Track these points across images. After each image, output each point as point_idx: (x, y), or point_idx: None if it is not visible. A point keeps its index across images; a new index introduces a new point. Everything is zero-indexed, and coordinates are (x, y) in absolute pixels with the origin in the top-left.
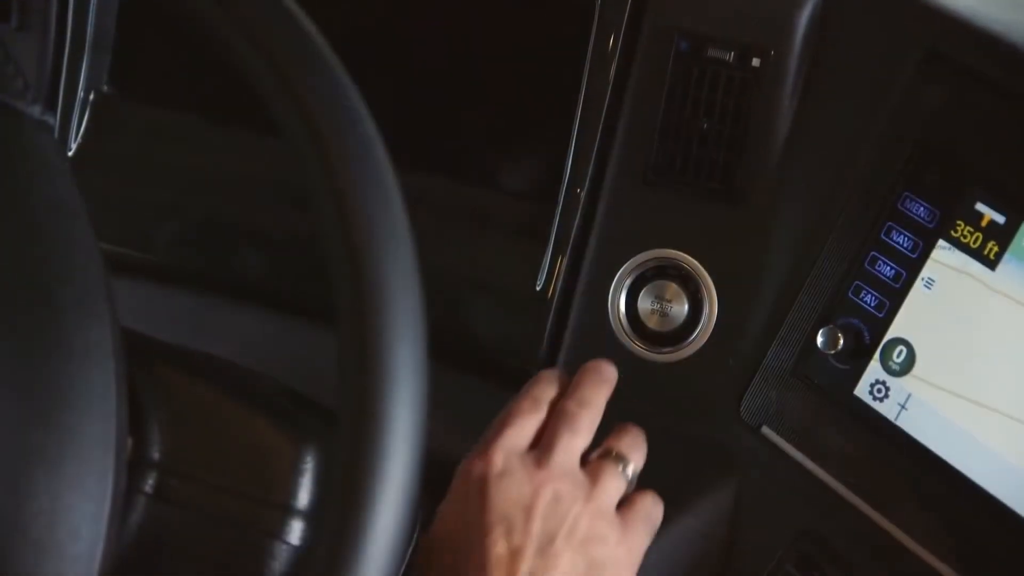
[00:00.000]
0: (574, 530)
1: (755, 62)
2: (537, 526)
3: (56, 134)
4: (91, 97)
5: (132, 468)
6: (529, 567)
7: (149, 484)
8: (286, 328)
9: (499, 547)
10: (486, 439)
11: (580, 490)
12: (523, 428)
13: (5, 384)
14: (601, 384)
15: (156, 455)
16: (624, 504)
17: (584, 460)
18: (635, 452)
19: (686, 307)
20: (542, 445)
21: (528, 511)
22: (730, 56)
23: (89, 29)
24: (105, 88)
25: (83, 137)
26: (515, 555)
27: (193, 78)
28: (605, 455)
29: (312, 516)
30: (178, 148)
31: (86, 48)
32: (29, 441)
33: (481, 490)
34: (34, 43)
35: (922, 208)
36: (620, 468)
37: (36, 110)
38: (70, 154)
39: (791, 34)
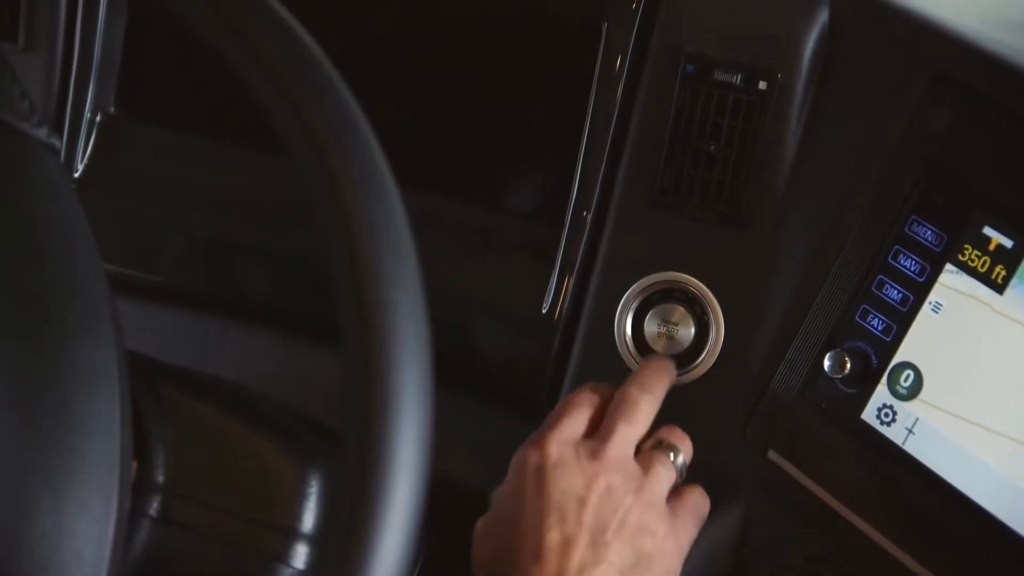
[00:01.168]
0: (625, 522)
1: (762, 85)
2: (590, 517)
3: (62, 156)
4: (98, 118)
5: (137, 491)
6: (580, 557)
7: (154, 507)
8: (291, 348)
9: (552, 536)
10: (543, 428)
11: (632, 481)
12: (579, 418)
13: (9, 405)
14: (663, 374)
15: (161, 478)
16: (674, 496)
17: (637, 449)
18: (685, 443)
19: (692, 330)
20: (599, 434)
21: (581, 502)
22: (737, 79)
23: (96, 50)
24: (112, 109)
25: (89, 158)
26: (567, 545)
27: (199, 99)
28: (657, 445)
29: (317, 540)
30: (184, 169)
31: (93, 69)
32: (34, 462)
33: (536, 480)
34: (41, 64)
35: (929, 232)
36: (671, 458)
37: (42, 132)
38: (76, 175)
39: (798, 57)
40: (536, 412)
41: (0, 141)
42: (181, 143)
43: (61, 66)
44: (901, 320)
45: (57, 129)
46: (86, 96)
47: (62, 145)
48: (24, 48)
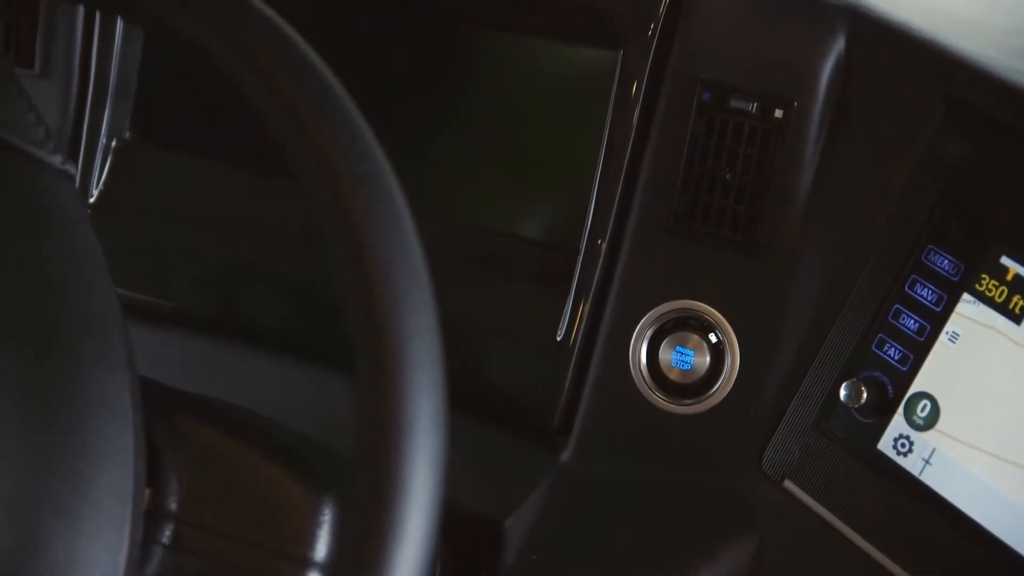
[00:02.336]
0: None
1: (778, 113)
2: None
3: (77, 182)
4: (113, 143)
5: (149, 519)
6: None
7: (166, 535)
8: (303, 374)
9: None
10: None
11: None
12: None
13: (22, 433)
14: None
15: (173, 506)
16: None
17: None
18: None
19: (708, 358)
20: None
21: None
22: (753, 107)
23: (112, 76)
24: (127, 135)
25: (104, 183)
26: None
27: (213, 125)
28: None
29: (329, 568)
30: (198, 194)
31: (108, 95)
32: (46, 491)
33: None
34: (57, 89)
35: (946, 261)
36: None
37: (57, 159)
38: (92, 200)
39: (814, 85)
40: (550, 440)
41: (16, 168)
42: (196, 169)
43: (77, 92)
44: (918, 350)
45: (72, 154)
46: (102, 121)
47: (77, 171)
48: (40, 74)
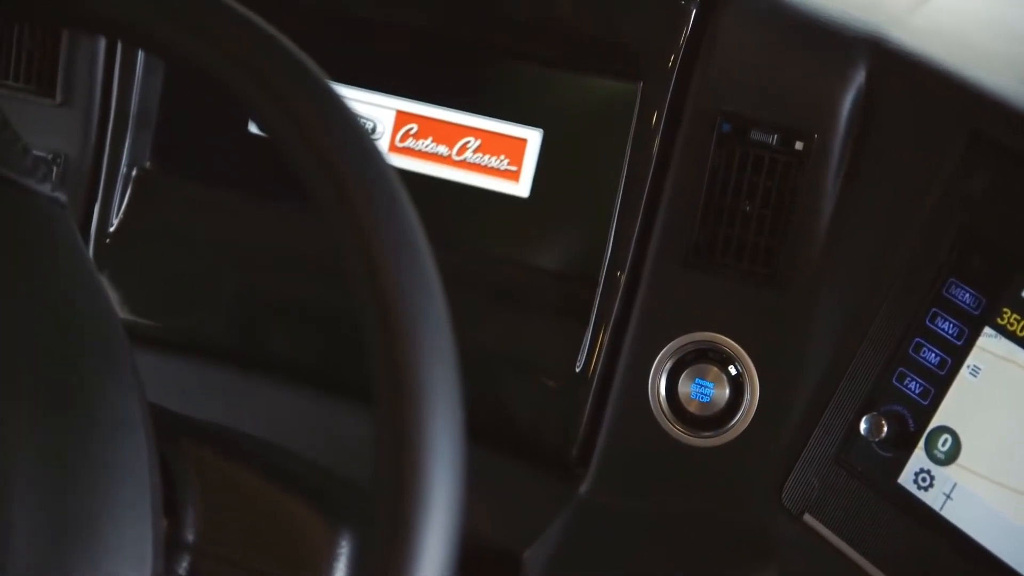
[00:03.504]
0: None
1: (798, 145)
2: None
3: (97, 209)
4: (133, 173)
5: (166, 549)
6: None
7: (184, 566)
8: (321, 406)
9: None
10: None
11: None
12: None
13: (38, 454)
14: None
15: (191, 537)
16: None
17: None
18: None
19: (727, 391)
20: None
21: None
22: (773, 139)
23: (133, 106)
24: (147, 164)
25: (124, 212)
26: None
27: (233, 155)
28: None
29: None
30: (218, 223)
31: (129, 124)
32: (65, 509)
33: None
34: (78, 118)
35: (968, 295)
36: None
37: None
38: (111, 228)
39: (835, 117)
40: (568, 472)
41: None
42: (216, 198)
43: (98, 121)
44: (939, 384)
45: (92, 183)
46: (122, 151)
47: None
48: (62, 103)
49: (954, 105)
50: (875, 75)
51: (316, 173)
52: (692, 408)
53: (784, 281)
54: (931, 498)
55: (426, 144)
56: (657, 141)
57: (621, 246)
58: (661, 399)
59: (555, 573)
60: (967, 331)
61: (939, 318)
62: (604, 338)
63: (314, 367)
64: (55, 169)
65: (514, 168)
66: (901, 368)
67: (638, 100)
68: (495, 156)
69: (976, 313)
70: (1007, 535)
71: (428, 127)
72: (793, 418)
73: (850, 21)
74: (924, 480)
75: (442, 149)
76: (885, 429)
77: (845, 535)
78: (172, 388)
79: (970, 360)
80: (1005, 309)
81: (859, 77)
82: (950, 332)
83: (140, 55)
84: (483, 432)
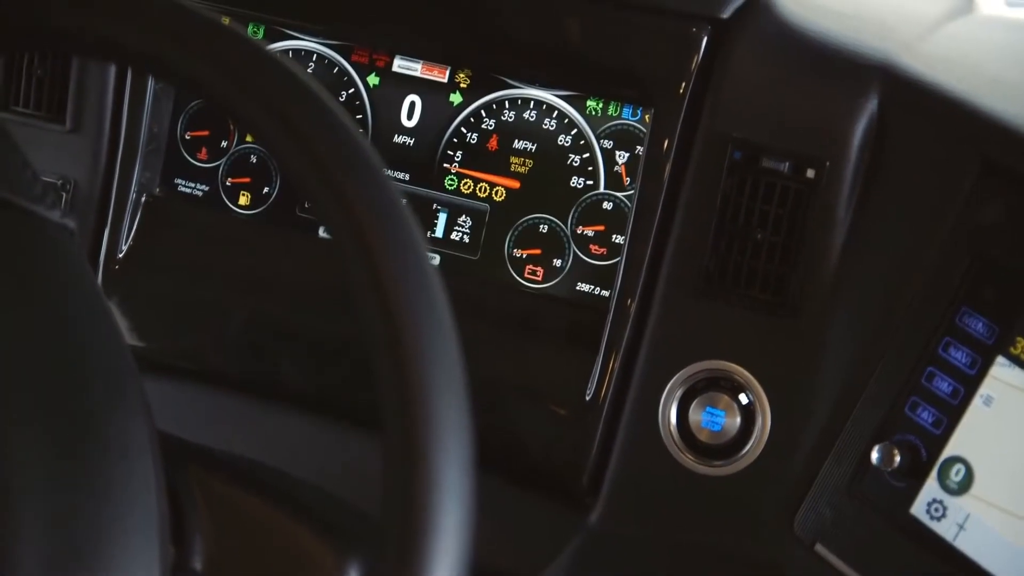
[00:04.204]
0: None
1: (810, 173)
2: None
3: (106, 236)
4: (143, 199)
5: None
6: None
7: None
8: (330, 433)
9: None
10: None
11: None
12: None
13: (49, 479)
14: None
15: (198, 565)
16: None
17: None
18: None
19: (738, 419)
20: None
21: None
22: (785, 166)
23: (143, 133)
24: (157, 191)
25: (134, 238)
26: None
27: (241, 182)
28: None
29: None
30: (227, 251)
31: (139, 151)
32: (75, 532)
33: None
34: (88, 145)
35: (980, 323)
36: None
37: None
38: (120, 255)
39: (847, 145)
40: (578, 501)
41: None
42: (225, 225)
43: (108, 147)
44: (951, 413)
45: (102, 209)
46: (131, 177)
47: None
48: (72, 129)
49: (966, 133)
50: (887, 103)
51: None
52: (703, 437)
53: (796, 309)
54: (944, 529)
55: None
56: (668, 168)
57: (632, 273)
58: (672, 428)
59: None
60: (980, 360)
61: (952, 347)
62: (614, 366)
63: (322, 394)
64: (64, 195)
65: None
66: (914, 397)
67: (649, 127)
68: None
69: (989, 342)
70: (1020, 565)
71: None
72: (805, 447)
73: (861, 49)
74: (937, 510)
75: None
76: (897, 459)
77: (857, 565)
78: (180, 414)
79: (983, 389)
80: (1019, 338)
81: (871, 105)
82: (963, 361)
83: (151, 82)
84: (493, 460)
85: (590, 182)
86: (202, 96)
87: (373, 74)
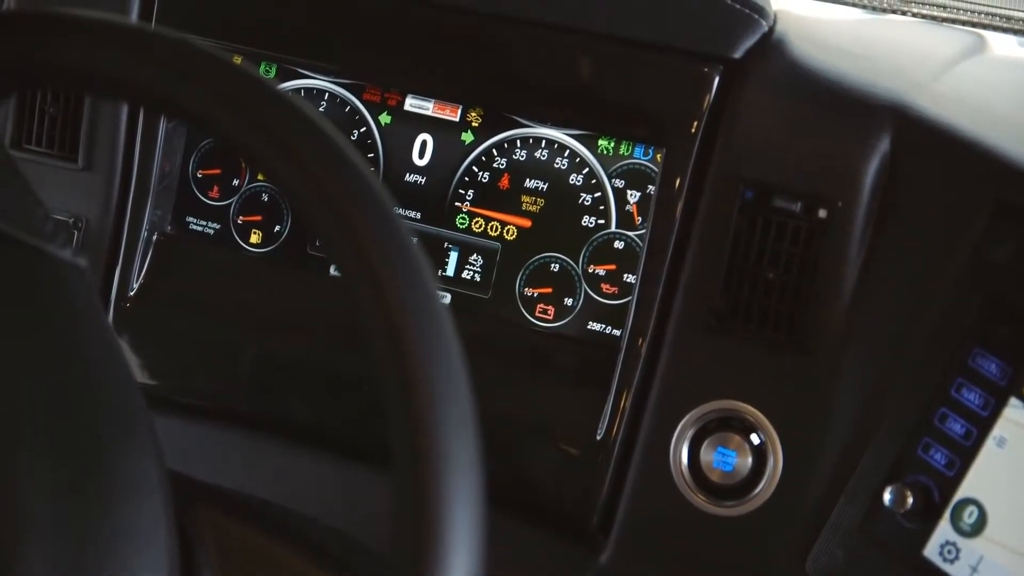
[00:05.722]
0: None
1: (822, 213)
2: None
3: (117, 274)
4: (155, 237)
5: None
6: None
7: None
8: (340, 471)
9: None
10: None
11: None
12: None
13: (58, 518)
14: None
15: None
16: None
17: None
18: None
19: (750, 460)
20: None
21: None
22: (796, 206)
23: (155, 171)
24: (168, 229)
25: (145, 276)
26: None
27: (253, 220)
28: None
29: None
30: (238, 289)
31: (151, 189)
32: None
33: None
34: (100, 183)
35: (994, 365)
36: None
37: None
38: (132, 292)
39: (858, 185)
40: (589, 540)
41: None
42: (235, 263)
43: (120, 185)
44: (964, 454)
45: (114, 247)
46: (143, 215)
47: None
48: (84, 167)
49: (979, 173)
50: (899, 143)
51: (335, 235)
52: (714, 477)
53: (807, 349)
54: (957, 571)
55: None
56: (680, 207)
57: (643, 312)
58: (683, 467)
59: None
60: (993, 401)
61: (964, 388)
62: (626, 405)
63: (333, 432)
64: (76, 233)
65: None
66: (926, 438)
67: (661, 167)
68: None
69: (1002, 383)
70: None
71: None
72: (816, 488)
73: (874, 89)
74: (950, 552)
75: None
76: (910, 500)
77: None
78: (190, 453)
79: (996, 431)
80: None
81: (883, 145)
82: (975, 402)
83: (163, 120)
84: (503, 498)
85: (601, 221)
86: (213, 135)
87: (385, 113)
